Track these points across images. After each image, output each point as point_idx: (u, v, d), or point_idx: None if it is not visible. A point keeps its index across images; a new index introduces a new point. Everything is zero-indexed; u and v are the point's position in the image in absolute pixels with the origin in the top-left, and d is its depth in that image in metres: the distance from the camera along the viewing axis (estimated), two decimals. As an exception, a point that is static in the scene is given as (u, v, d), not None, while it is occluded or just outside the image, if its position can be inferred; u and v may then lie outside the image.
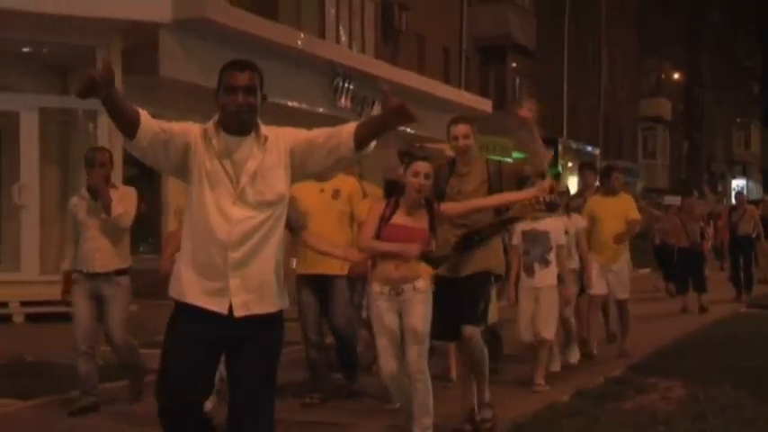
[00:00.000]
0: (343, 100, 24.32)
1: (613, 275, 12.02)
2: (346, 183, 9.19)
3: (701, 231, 20.29)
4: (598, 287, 11.73)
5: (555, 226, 9.80)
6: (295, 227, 7.61)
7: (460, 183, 7.86)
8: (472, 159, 8.00)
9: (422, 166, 7.26)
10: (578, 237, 11.07)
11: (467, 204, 7.69)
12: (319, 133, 5.02)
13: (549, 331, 9.71)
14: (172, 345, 5.02)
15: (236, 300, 4.84)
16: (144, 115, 4.65)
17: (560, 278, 10.14)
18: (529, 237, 9.70)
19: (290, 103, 21.63)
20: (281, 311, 5.06)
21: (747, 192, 54.57)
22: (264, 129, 4.97)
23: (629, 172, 47.31)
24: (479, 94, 34.17)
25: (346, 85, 24.53)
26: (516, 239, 10.01)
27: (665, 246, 21.49)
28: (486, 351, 7.74)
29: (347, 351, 9.65)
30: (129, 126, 4.62)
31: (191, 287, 4.88)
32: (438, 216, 7.25)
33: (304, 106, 22.64)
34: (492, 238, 7.86)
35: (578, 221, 11.23)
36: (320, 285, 8.97)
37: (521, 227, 9.79)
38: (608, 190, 12.25)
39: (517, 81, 40.30)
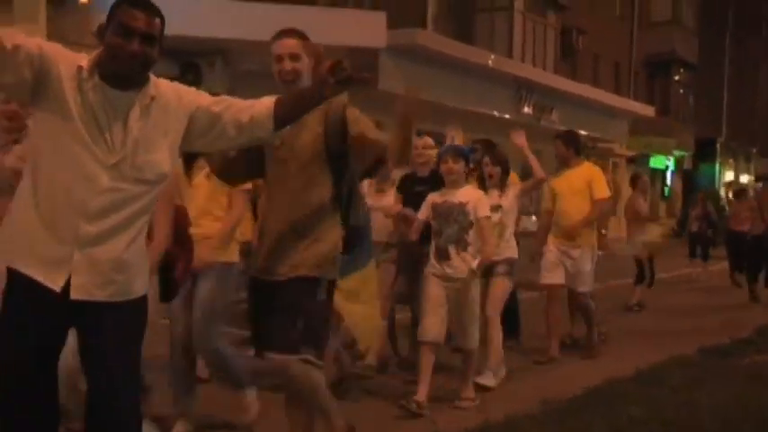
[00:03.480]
0: (526, 108, 24.85)
1: (572, 263, 8.80)
2: None
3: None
4: (555, 276, 8.78)
5: (475, 196, 6.51)
6: None
7: (289, 132, 4.17)
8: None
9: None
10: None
11: None
12: (223, 107, 3.71)
13: (472, 340, 6.61)
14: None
15: (76, 279, 3.47)
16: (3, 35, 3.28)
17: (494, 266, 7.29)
18: (440, 211, 6.45)
19: (482, 111, 22.49)
20: (135, 300, 3.66)
21: None
22: (152, 86, 3.57)
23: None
24: (645, 102, 33.92)
25: (529, 95, 25.00)
26: (424, 213, 6.71)
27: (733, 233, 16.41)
28: (313, 378, 4.52)
29: None
30: None
31: (22, 251, 3.53)
32: None
33: (494, 113, 23.27)
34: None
35: (511, 196, 7.73)
36: None
37: (431, 198, 6.61)
38: (561, 160, 9.11)
39: (680, 91, 39.61)
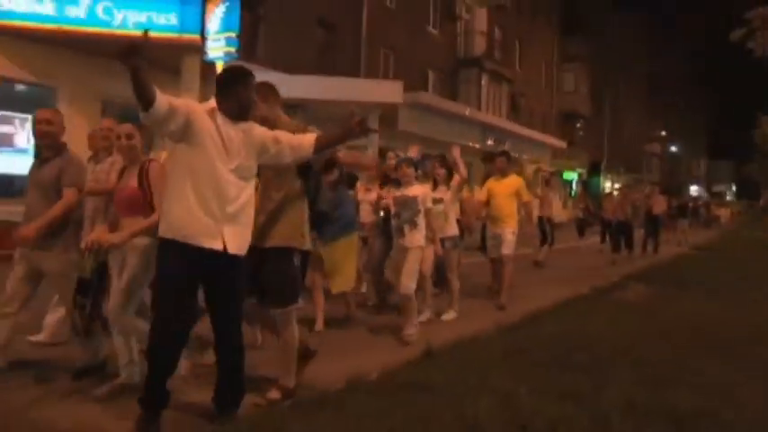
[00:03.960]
0: (489, 141, 25.11)
1: (498, 239, 8.37)
2: None
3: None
4: (492, 251, 8.58)
5: (423, 192, 6.35)
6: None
7: None
8: None
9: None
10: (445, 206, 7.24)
11: None
12: (284, 138, 3.87)
13: (407, 286, 6.10)
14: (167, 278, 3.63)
15: (228, 241, 3.63)
16: (159, 95, 3.39)
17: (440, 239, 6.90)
18: (399, 202, 6.37)
19: (462, 142, 21.66)
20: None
21: None
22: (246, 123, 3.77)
23: None
24: (560, 138, 34.27)
25: (491, 133, 25.19)
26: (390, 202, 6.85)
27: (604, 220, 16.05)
28: (296, 332, 4.33)
29: None
30: (146, 100, 3.33)
31: (189, 230, 3.56)
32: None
33: (469, 144, 22.85)
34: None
35: (451, 193, 7.32)
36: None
37: (393, 192, 6.68)
38: (499, 173, 8.56)
39: (580, 132, 40.44)
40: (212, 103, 3.74)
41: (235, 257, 3.68)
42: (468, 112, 23.82)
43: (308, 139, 3.93)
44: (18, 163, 13.78)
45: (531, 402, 3.95)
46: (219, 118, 3.68)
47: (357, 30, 21.72)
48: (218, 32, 13.44)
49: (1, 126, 13.40)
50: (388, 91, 18.02)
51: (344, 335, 6.28)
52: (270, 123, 4.06)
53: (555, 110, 38.10)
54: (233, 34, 13.41)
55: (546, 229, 13.50)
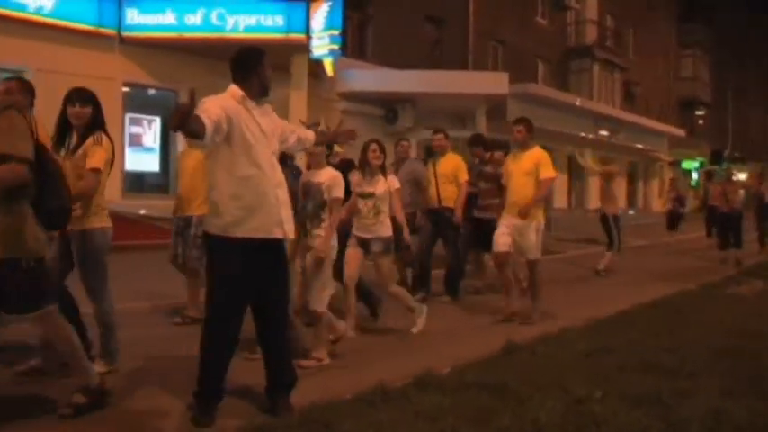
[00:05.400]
0: (601, 131, 24.72)
1: (519, 235, 6.43)
2: None
3: None
4: (501, 245, 6.47)
5: (330, 177, 4.80)
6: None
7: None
8: None
9: None
10: (391, 199, 5.72)
11: None
12: (297, 130, 4.00)
13: (320, 303, 4.74)
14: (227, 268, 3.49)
15: (287, 226, 3.63)
16: (207, 125, 3.27)
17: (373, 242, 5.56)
18: (305, 189, 4.91)
19: (573, 133, 22.49)
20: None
21: None
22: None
23: None
24: (678, 127, 32.84)
25: (603, 123, 24.57)
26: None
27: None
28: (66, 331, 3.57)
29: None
30: (198, 135, 3.25)
31: (247, 223, 3.49)
32: None
33: (581, 134, 23.21)
34: None
35: (393, 183, 5.79)
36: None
37: (303, 177, 5.14)
38: (518, 146, 6.63)
39: (700, 121, 38.32)
40: (234, 90, 3.60)
41: (281, 241, 3.66)
42: (578, 102, 23.22)
43: (311, 133, 4.10)
44: (147, 161, 14.61)
45: (601, 408, 3.53)
46: (249, 103, 3.60)
47: (465, 24, 21.55)
48: (322, 31, 13.62)
49: (132, 127, 14.20)
50: (493, 82, 17.75)
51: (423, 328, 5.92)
52: None
53: (673, 98, 35.98)
54: (336, 32, 13.59)
55: (612, 231, 10.50)
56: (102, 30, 13.05)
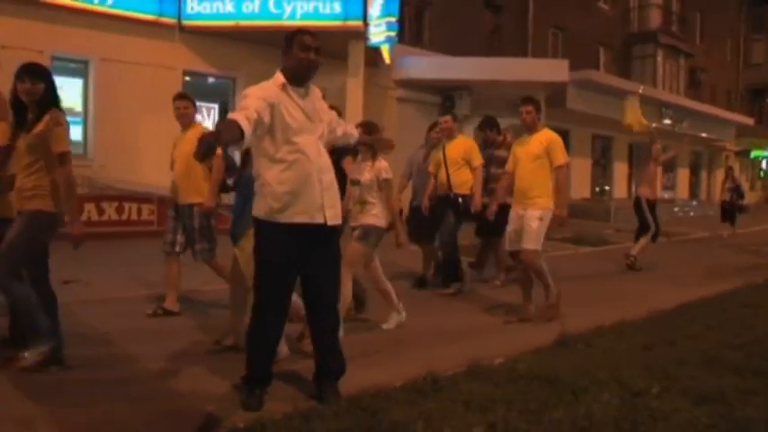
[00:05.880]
0: (666, 120, 23.96)
1: (520, 222, 5.85)
2: None
3: None
4: (511, 241, 6.01)
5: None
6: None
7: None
8: None
9: None
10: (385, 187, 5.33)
11: None
12: (340, 121, 3.86)
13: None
14: (274, 251, 3.47)
15: (328, 212, 3.52)
16: (245, 127, 3.15)
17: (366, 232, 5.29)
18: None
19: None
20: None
21: None
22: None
23: None
24: (746, 115, 31.47)
25: (667, 111, 23.80)
26: None
27: None
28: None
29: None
30: (238, 141, 3.13)
31: (291, 209, 3.45)
32: None
33: None
34: None
35: (382, 171, 5.27)
36: None
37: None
38: (525, 129, 6.02)
39: None
40: (278, 76, 3.55)
41: (333, 227, 3.59)
42: (641, 89, 21.33)
43: (355, 130, 4.11)
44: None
45: (660, 403, 3.36)
46: (290, 90, 3.52)
47: (524, 11, 21.19)
48: (379, 17, 13.54)
49: (191, 115, 14.43)
50: (553, 69, 17.39)
51: (468, 317, 5.88)
52: None
53: (741, 85, 34.55)
54: (393, 18, 13.52)
55: (646, 216, 9.48)
56: (163, 19, 13.27)
